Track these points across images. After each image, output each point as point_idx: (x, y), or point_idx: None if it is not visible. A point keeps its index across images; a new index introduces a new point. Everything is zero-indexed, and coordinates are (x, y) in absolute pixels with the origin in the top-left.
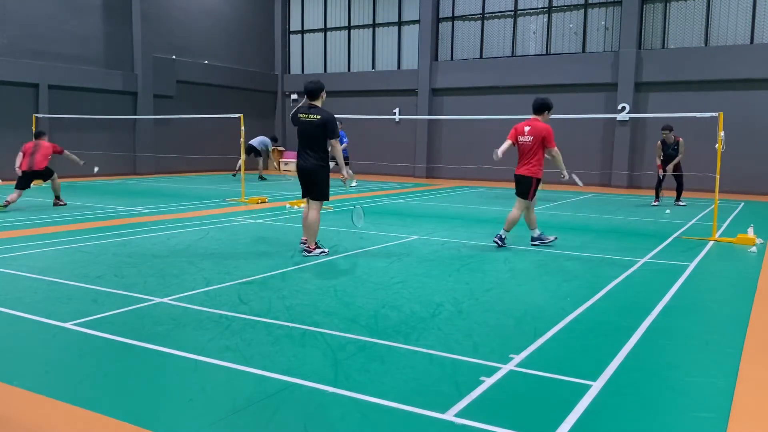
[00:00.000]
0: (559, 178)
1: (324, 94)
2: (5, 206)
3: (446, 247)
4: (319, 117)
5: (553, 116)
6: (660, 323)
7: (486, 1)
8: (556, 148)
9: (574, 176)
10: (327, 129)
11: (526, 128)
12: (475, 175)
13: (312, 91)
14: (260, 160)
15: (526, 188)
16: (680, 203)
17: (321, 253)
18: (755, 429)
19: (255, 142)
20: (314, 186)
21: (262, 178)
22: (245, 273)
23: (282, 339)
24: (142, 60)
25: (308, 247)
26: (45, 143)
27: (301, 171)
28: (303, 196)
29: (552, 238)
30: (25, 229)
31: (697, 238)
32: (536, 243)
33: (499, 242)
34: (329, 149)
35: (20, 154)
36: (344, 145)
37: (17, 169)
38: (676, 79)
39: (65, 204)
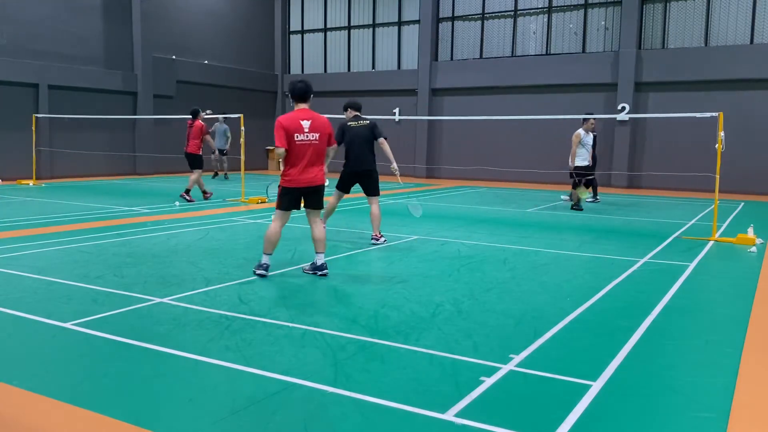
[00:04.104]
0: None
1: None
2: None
3: (446, 247)
4: (367, 122)
5: (553, 116)
6: (660, 323)
7: (486, 1)
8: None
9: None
10: (376, 130)
11: (305, 122)
12: (475, 175)
13: (358, 106)
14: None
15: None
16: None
17: (384, 241)
18: (755, 429)
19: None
20: (373, 183)
21: (221, 176)
22: (245, 273)
23: (282, 339)
24: (142, 60)
25: (375, 235)
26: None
27: (357, 173)
28: (343, 191)
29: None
30: (25, 229)
31: (697, 238)
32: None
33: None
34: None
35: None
36: None
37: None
38: (676, 79)
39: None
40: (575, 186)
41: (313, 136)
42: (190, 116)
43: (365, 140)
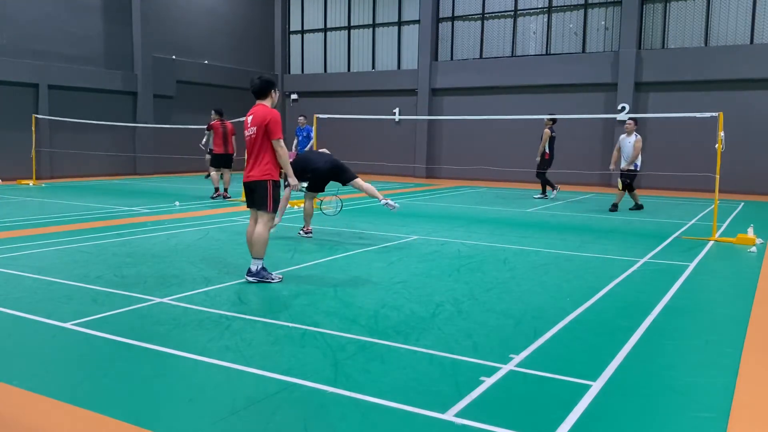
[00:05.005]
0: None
1: None
2: None
3: (446, 247)
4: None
5: (553, 116)
6: (660, 323)
7: (486, 1)
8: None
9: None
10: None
11: (249, 118)
12: (475, 175)
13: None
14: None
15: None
16: (535, 196)
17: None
18: (755, 429)
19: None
20: (343, 172)
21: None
22: (245, 273)
23: (282, 339)
24: (142, 60)
25: (385, 200)
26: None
27: (329, 167)
28: (314, 191)
29: (277, 278)
30: (25, 229)
31: (697, 238)
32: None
33: (252, 278)
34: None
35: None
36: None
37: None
38: (676, 79)
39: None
40: (629, 188)
41: (252, 129)
42: (219, 116)
43: (320, 151)
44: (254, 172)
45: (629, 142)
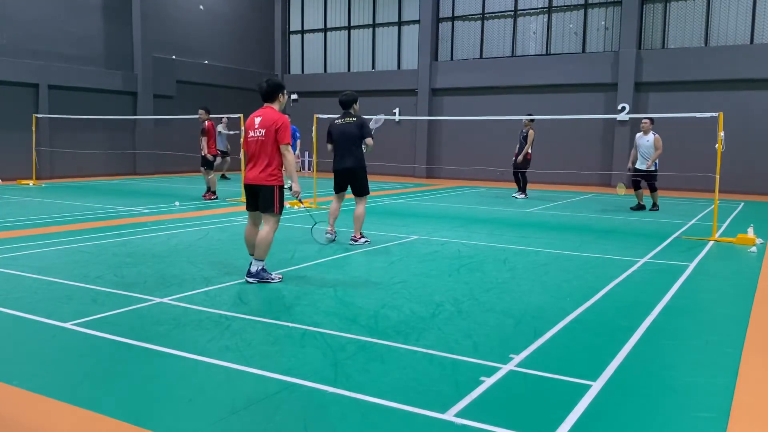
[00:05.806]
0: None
1: (357, 105)
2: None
3: (446, 247)
4: (355, 119)
5: (553, 116)
6: (660, 323)
7: (486, 1)
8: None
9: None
10: (365, 129)
11: (257, 119)
12: (475, 175)
13: (346, 102)
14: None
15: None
16: (516, 195)
17: (365, 242)
18: (755, 429)
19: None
20: (357, 183)
21: (224, 177)
22: (245, 273)
23: (282, 339)
24: (142, 60)
25: (354, 236)
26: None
27: (341, 171)
28: (337, 192)
29: (277, 278)
30: (25, 229)
31: (697, 238)
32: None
33: (251, 279)
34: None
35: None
36: (297, 142)
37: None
38: (676, 79)
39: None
40: (653, 189)
41: (259, 132)
42: (209, 115)
43: (349, 138)
44: (261, 175)
45: (647, 140)
